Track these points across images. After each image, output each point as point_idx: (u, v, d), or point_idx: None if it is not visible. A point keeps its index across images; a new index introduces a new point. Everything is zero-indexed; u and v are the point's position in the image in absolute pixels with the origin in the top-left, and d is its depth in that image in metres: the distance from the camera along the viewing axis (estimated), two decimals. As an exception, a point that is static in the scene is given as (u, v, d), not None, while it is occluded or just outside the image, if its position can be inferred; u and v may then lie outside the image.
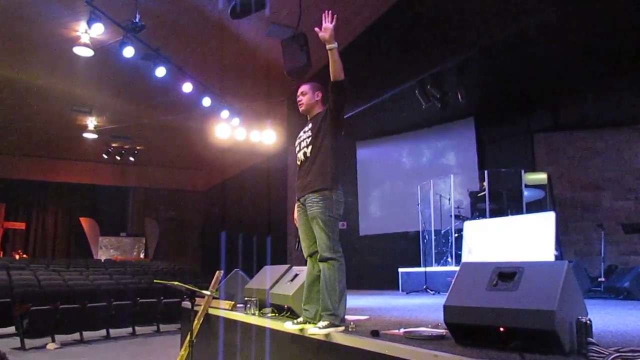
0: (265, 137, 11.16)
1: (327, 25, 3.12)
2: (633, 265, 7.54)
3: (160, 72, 8.19)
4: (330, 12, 3.14)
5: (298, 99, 3.50)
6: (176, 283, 3.53)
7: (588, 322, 2.06)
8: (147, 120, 12.27)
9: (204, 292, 3.91)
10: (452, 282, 2.39)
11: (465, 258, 7.44)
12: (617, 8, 6.52)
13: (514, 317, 2.04)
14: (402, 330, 2.80)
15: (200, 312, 4.67)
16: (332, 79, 3.19)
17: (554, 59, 7.99)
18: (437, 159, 11.23)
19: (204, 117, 10.94)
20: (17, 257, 15.24)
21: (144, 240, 18.28)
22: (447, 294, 2.38)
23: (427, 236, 9.21)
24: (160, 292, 8.70)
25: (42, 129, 13.26)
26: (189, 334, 3.96)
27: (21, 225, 16.90)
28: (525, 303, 2.04)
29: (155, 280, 4.22)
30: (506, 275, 2.21)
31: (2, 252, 15.94)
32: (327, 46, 3.12)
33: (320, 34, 3.15)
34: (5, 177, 15.69)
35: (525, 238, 6.27)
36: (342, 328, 3.02)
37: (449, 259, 8.56)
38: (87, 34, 8.01)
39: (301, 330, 3.20)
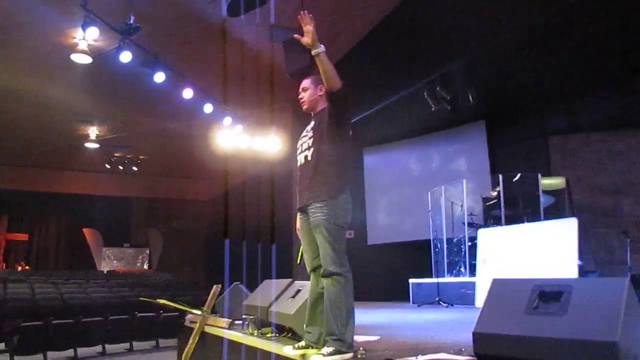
0: (269, 144, 10.85)
1: (308, 27, 2.72)
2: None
3: (159, 77, 8.03)
4: (305, 12, 2.74)
5: (300, 97, 3.11)
6: (162, 301, 3.17)
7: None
8: (148, 129, 12.02)
9: (195, 311, 3.53)
10: (483, 303, 2.00)
11: (479, 268, 7.05)
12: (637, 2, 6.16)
13: (563, 349, 1.63)
14: (420, 358, 2.41)
15: (195, 330, 4.30)
16: (327, 89, 2.84)
17: (568, 57, 7.66)
18: (447, 164, 10.85)
19: (205, 125, 10.69)
20: (19, 268, 15.08)
21: (148, 251, 17.99)
22: (477, 317, 1.99)
23: (438, 245, 8.81)
24: (160, 305, 8.33)
25: (43, 139, 13.04)
26: (185, 352, 3.59)
27: (24, 237, 16.67)
28: (577, 332, 1.63)
29: (140, 298, 3.87)
30: (549, 295, 1.81)
31: (4, 264, 15.70)
32: (313, 51, 2.74)
33: (303, 40, 2.75)
34: (6, 188, 15.48)
35: (545, 247, 5.88)
36: (350, 355, 2.62)
37: (462, 269, 8.17)
38: (85, 41, 7.81)
39: (302, 356, 2.80)
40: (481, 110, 9.76)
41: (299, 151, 3.06)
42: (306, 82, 3.10)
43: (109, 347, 7.57)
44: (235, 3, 5.35)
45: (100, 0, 6.78)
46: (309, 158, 2.95)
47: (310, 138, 2.98)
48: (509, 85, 8.92)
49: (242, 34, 7.90)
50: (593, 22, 6.74)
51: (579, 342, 1.61)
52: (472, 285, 6.98)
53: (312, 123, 3.05)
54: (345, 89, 2.80)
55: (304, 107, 3.12)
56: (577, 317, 1.68)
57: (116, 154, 14.64)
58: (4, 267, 15.41)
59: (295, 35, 2.82)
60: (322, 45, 2.73)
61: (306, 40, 2.74)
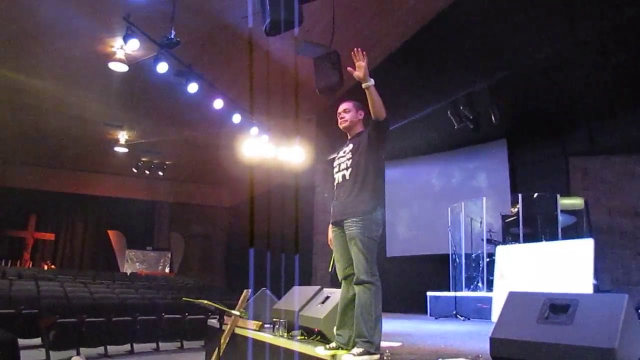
0: (293, 154, 11.13)
1: (360, 63, 3.01)
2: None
3: (193, 88, 8.29)
4: (359, 49, 3.04)
5: (340, 116, 3.41)
6: (205, 302, 3.47)
7: (651, 362, 1.92)
8: (178, 136, 12.39)
9: (233, 312, 3.83)
10: (500, 313, 2.26)
11: (497, 284, 7.21)
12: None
13: (569, 354, 1.90)
14: (441, 361, 2.67)
15: (226, 331, 4.59)
16: (373, 118, 3.10)
17: (590, 80, 7.76)
18: (468, 181, 11.01)
19: (233, 134, 10.97)
20: (45, 267, 15.47)
21: (170, 255, 18.34)
22: (494, 325, 2.25)
23: (457, 260, 8.98)
24: (185, 308, 8.64)
25: (75, 141, 13.42)
26: (215, 353, 3.87)
27: (50, 236, 17.08)
28: (582, 339, 1.90)
29: (183, 298, 4.17)
30: (559, 307, 2.08)
31: (31, 262, 16.18)
32: (363, 85, 3.02)
33: (355, 74, 3.04)
34: (36, 188, 15.98)
35: (562, 266, 6.05)
36: (377, 356, 2.90)
37: (480, 284, 8.31)
38: (123, 50, 8.14)
39: (333, 356, 3.08)
40: (503, 129, 9.84)
41: (336, 170, 3.37)
42: (349, 105, 3.40)
43: (137, 347, 7.86)
44: (267, 27, 5.67)
45: (141, 12, 7.08)
46: (347, 177, 3.25)
47: (348, 159, 3.28)
48: (531, 106, 9.03)
49: (272, 47, 8.20)
50: (616, 45, 6.88)
51: (582, 348, 1.88)
52: (489, 300, 7.14)
53: (351, 145, 3.35)
54: (389, 118, 3.09)
55: (343, 125, 3.41)
56: (582, 327, 1.95)
57: (143, 159, 15.02)
58: (31, 265, 15.87)
59: (349, 68, 3.11)
60: (372, 80, 3.01)
61: (358, 74, 3.03)
